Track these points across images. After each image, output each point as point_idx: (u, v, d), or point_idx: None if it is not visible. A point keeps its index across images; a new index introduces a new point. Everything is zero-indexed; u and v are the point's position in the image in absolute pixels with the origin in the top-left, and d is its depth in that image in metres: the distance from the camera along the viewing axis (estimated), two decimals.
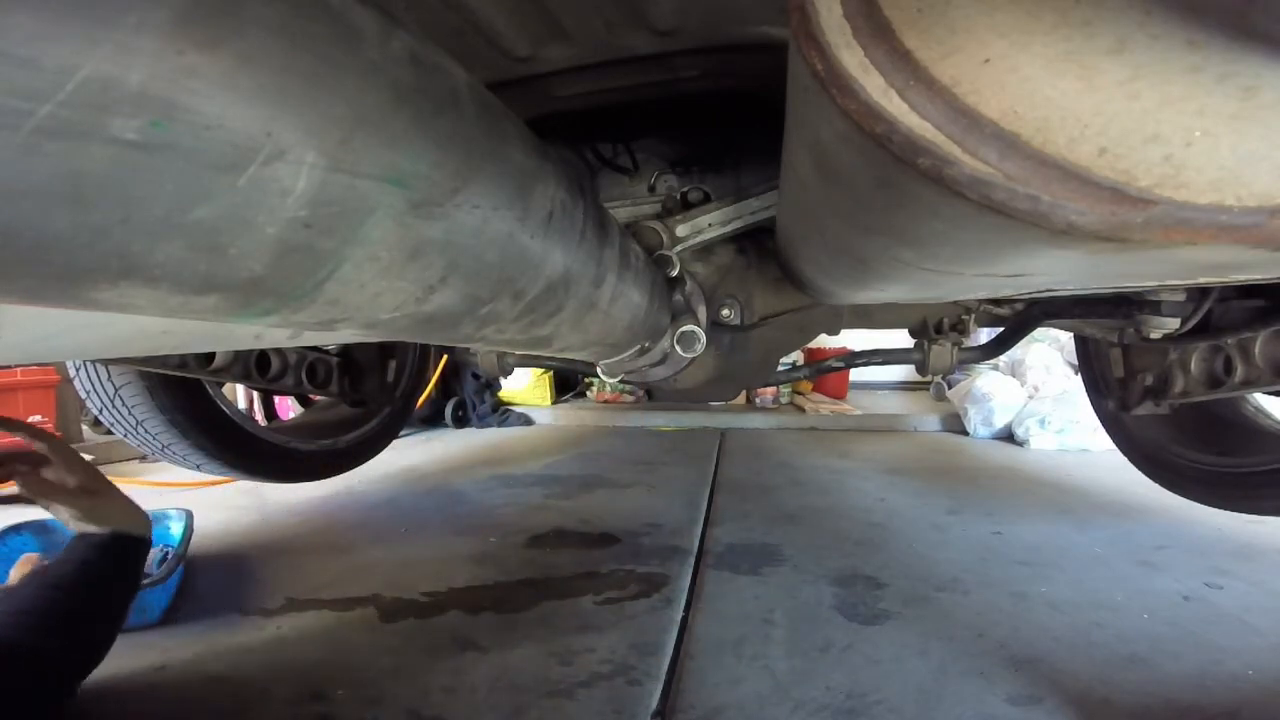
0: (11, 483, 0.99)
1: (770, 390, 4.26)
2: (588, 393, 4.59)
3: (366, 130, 0.33)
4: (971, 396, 3.56)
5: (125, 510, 1.04)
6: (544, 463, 2.89)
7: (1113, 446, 2.08)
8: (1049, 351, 3.75)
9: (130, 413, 1.53)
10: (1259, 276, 0.56)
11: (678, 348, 1.25)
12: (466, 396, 3.91)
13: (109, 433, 2.05)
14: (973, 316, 1.62)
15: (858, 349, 1.86)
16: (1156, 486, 1.89)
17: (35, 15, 0.21)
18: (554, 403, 4.29)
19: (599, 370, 1.34)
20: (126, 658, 1.20)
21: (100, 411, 1.56)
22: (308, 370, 1.78)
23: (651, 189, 1.41)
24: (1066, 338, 3.63)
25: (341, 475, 2.13)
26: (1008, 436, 3.41)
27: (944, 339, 1.61)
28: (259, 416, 2.76)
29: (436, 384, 3.68)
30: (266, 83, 0.27)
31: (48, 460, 1.01)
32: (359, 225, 0.35)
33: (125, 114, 0.23)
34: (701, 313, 1.33)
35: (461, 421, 3.85)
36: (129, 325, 0.63)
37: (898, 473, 2.68)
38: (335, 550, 1.75)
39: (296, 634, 1.30)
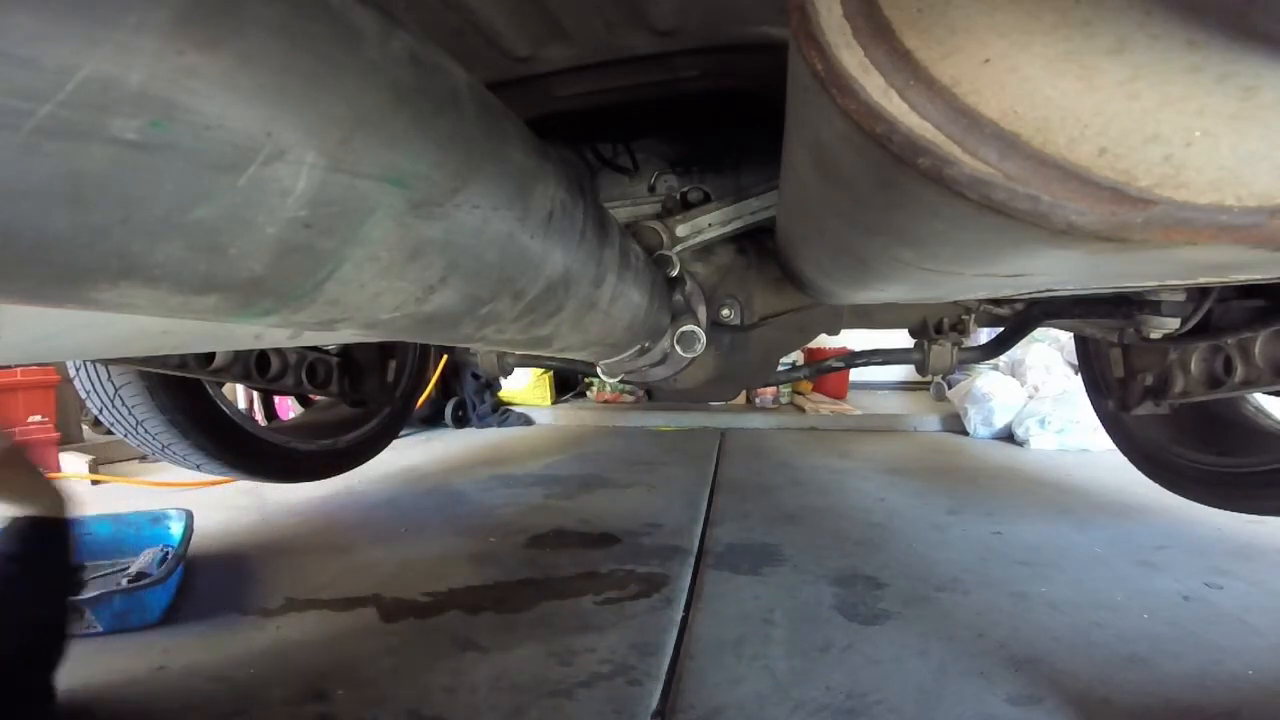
0: None
1: (770, 390, 4.25)
2: (588, 393, 4.59)
3: (366, 130, 0.33)
4: (971, 396, 3.55)
5: (38, 490, 0.99)
6: (544, 463, 2.89)
7: (1113, 446, 2.08)
8: (1049, 351, 3.75)
9: (130, 413, 1.53)
10: (1259, 276, 0.56)
11: (678, 348, 1.25)
12: (466, 396, 3.91)
13: (109, 433, 2.05)
14: (973, 316, 1.62)
15: (858, 349, 1.86)
16: (1156, 486, 1.89)
17: (35, 15, 0.21)
18: (554, 403, 4.28)
19: (599, 370, 1.34)
20: (126, 658, 1.20)
21: (100, 411, 1.56)
22: (308, 370, 1.78)
23: (651, 189, 1.41)
24: (1066, 338, 3.63)
25: (341, 475, 2.13)
26: (1008, 436, 3.41)
27: (944, 339, 1.61)
28: (259, 416, 2.76)
29: (436, 384, 3.68)
30: (266, 83, 0.27)
31: None
32: (359, 225, 0.35)
33: (125, 114, 0.23)
34: (701, 313, 1.33)
35: (461, 421, 3.85)
36: (129, 325, 0.63)
37: (898, 473, 2.68)
38: (335, 550, 1.75)
39: (296, 634, 1.30)
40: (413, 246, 0.40)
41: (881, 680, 1.11)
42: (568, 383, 4.62)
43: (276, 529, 1.94)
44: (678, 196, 1.38)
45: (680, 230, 1.30)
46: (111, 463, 2.84)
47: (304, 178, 0.30)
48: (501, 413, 3.99)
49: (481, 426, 3.87)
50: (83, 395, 1.56)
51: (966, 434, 3.57)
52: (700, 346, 1.25)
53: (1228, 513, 1.73)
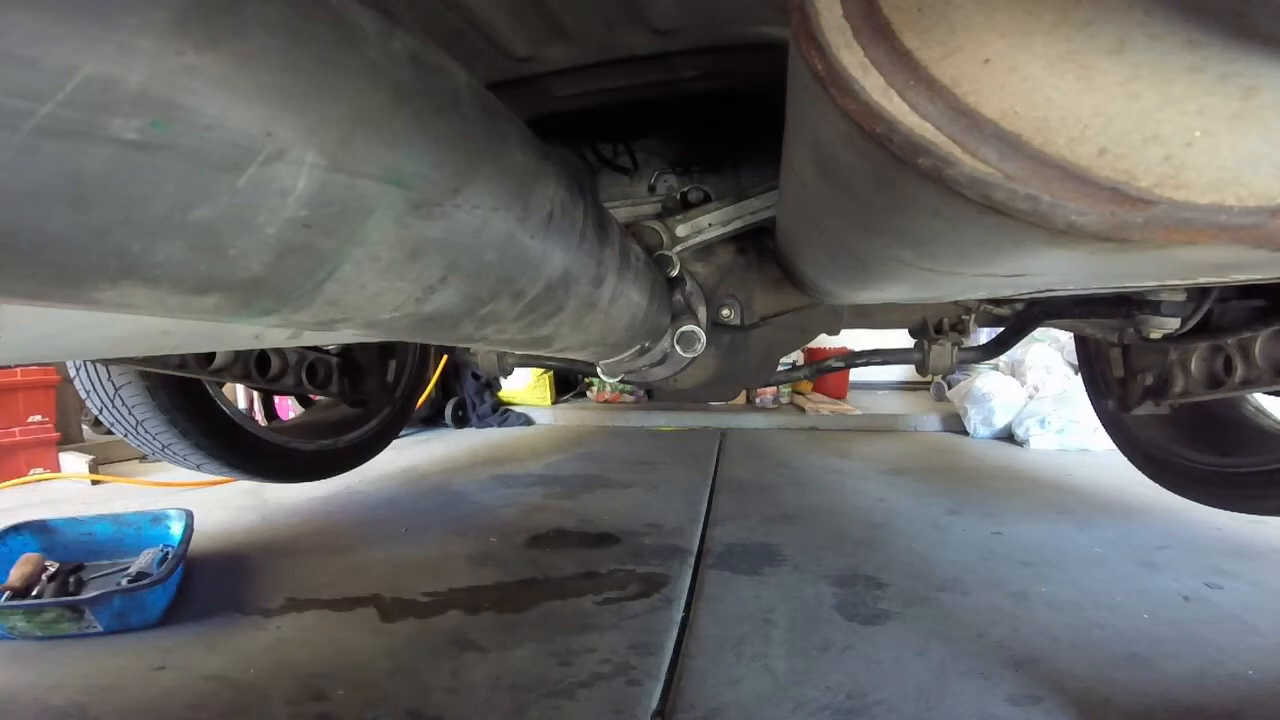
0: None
1: (770, 390, 4.26)
2: (588, 393, 4.59)
3: (366, 130, 0.33)
4: (971, 396, 3.55)
5: None
6: (544, 463, 2.89)
7: (1113, 446, 2.08)
8: (1049, 351, 3.75)
9: (130, 413, 1.52)
10: (1259, 276, 0.56)
11: (678, 348, 1.25)
12: (466, 396, 3.91)
13: (109, 433, 2.05)
14: (973, 316, 1.62)
15: (858, 349, 1.86)
16: (1156, 486, 1.88)
17: (35, 15, 0.21)
18: (554, 403, 4.28)
19: (599, 370, 1.34)
20: (126, 658, 1.20)
21: (100, 411, 1.56)
22: (308, 370, 1.78)
23: (651, 189, 1.41)
24: (1066, 338, 3.63)
25: (341, 475, 2.13)
26: (1008, 436, 3.41)
27: (944, 339, 1.61)
28: (259, 416, 2.76)
29: (436, 384, 3.68)
30: (266, 83, 0.27)
31: None
32: (359, 225, 0.35)
33: (125, 114, 0.23)
34: (701, 313, 1.33)
35: (461, 421, 3.85)
36: (129, 325, 0.63)
37: (898, 473, 2.68)
38: (335, 550, 1.75)
39: (296, 634, 1.30)
40: (413, 246, 0.40)
41: (881, 680, 1.11)
42: (568, 383, 4.62)
43: (276, 529, 1.94)
44: (678, 196, 1.38)
45: (680, 230, 1.29)
46: (111, 463, 2.84)
47: (304, 178, 0.30)
48: (501, 413, 3.99)
49: (481, 426, 3.87)
50: (83, 395, 1.56)
51: (966, 434, 3.57)
52: (700, 346, 1.25)
53: (1228, 513, 1.73)
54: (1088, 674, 1.13)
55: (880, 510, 2.13)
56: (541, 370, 3.92)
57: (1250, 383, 1.37)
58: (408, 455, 3.01)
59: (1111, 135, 0.28)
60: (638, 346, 1.20)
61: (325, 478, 2.07)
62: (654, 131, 1.41)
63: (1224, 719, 1.03)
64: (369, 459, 2.21)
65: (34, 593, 1.34)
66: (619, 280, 0.80)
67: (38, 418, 2.67)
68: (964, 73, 0.30)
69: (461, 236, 0.43)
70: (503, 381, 3.98)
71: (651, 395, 4.30)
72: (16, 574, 1.36)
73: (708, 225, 1.30)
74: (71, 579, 1.40)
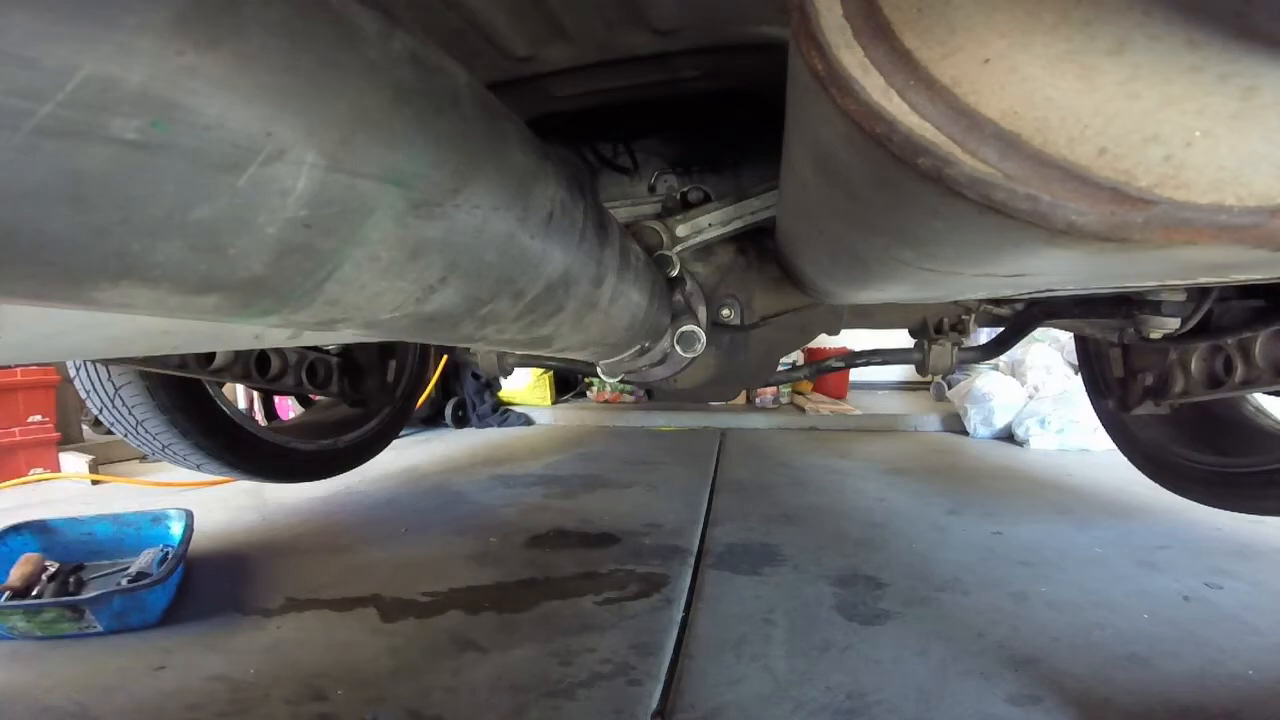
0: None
1: (770, 390, 4.25)
2: (588, 393, 4.59)
3: (366, 130, 0.33)
4: (971, 396, 3.55)
5: None
6: (544, 463, 2.89)
7: (1113, 446, 2.08)
8: (1049, 351, 3.75)
9: (130, 413, 1.52)
10: (1259, 276, 0.56)
11: (678, 348, 1.25)
12: (466, 396, 3.91)
13: (109, 433, 2.05)
14: (973, 316, 1.62)
15: (858, 349, 1.86)
16: (1156, 486, 1.89)
17: (35, 15, 0.21)
18: (554, 403, 4.28)
19: (599, 370, 1.34)
20: (126, 658, 1.20)
21: (100, 411, 1.56)
22: (308, 370, 1.78)
23: (651, 189, 1.41)
24: (1066, 338, 3.63)
25: (341, 475, 2.13)
26: (1008, 436, 3.41)
27: (944, 339, 1.61)
28: (259, 416, 2.76)
29: (436, 384, 3.68)
30: (266, 83, 0.27)
31: None
32: (359, 225, 0.35)
33: (125, 114, 0.23)
34: (701, 313, 1.33)
35: (461, 421, 3.85)
36: (129, 325, 0.63)
37: (898, 473, 2.68)
38: (335, 550, 1.75)
39: (296, 634, 1.30)
40: (413, 246, 0.40)
41: (881, 680, 1.11)
42: (568, 383, 4.62)
43: (276, 529, 1.94)
44: (678, 196, 1.38)
45: (680, 230, 1.30)
46: (111, 463, 2.84)
47: (304, 178, 0.30)
48: (501, 413, 3.99)
49: (481, 426, 3.87)
50: (83, 395, 1.56)
51: (966, 434, 3.57)
52: (700, 346, 1.25)
53: (1228, 513, 1.73)
54: (1088, 674, 1.13)
55: (880, 510, 2.13)
56: (541, 370, 3.92)
57: (1250, 383, 1.37)
58: (408, 455, 3.01)
59: (1111, 135, 0.28)
60: (638, 346, 1.20)
61: (325, 478, 2.07)
62: (654, 131, 1.41)
63: (1224, 719, 1.03)
64: (369, 459, 2.21)
65: (34, 593, 1.34)
66: (619, 280, 0.80)
67: (38, 418, 2.67)
68: (964, 73, 0.30)
69: (461, 236, 0.43)
70: (503, 381, 3.98)
71: (651, 395, 4.30)
72: (16, 574, 1.36)
73: (708, 225, 1.30)
74: (71, 579, 1.40)
